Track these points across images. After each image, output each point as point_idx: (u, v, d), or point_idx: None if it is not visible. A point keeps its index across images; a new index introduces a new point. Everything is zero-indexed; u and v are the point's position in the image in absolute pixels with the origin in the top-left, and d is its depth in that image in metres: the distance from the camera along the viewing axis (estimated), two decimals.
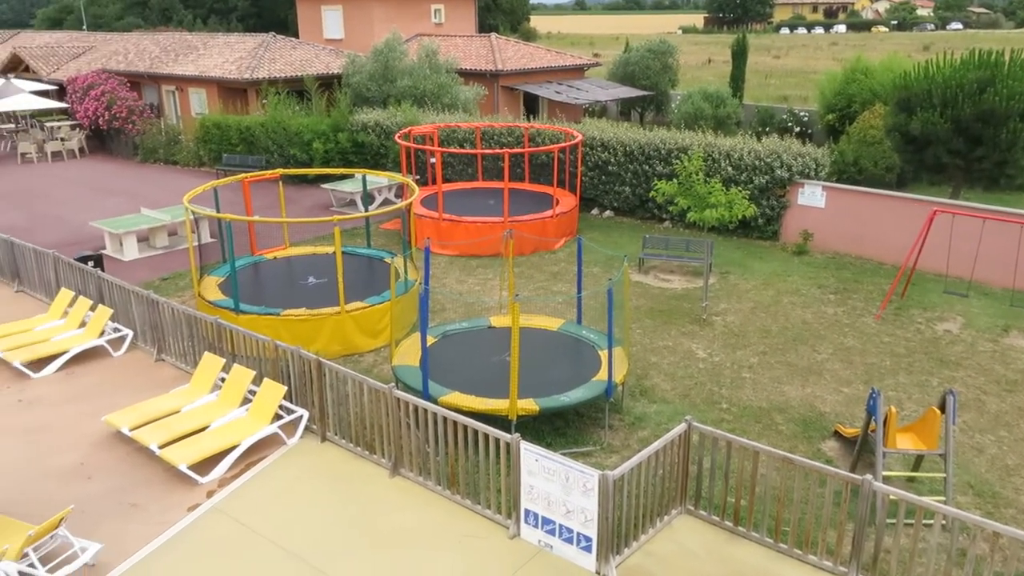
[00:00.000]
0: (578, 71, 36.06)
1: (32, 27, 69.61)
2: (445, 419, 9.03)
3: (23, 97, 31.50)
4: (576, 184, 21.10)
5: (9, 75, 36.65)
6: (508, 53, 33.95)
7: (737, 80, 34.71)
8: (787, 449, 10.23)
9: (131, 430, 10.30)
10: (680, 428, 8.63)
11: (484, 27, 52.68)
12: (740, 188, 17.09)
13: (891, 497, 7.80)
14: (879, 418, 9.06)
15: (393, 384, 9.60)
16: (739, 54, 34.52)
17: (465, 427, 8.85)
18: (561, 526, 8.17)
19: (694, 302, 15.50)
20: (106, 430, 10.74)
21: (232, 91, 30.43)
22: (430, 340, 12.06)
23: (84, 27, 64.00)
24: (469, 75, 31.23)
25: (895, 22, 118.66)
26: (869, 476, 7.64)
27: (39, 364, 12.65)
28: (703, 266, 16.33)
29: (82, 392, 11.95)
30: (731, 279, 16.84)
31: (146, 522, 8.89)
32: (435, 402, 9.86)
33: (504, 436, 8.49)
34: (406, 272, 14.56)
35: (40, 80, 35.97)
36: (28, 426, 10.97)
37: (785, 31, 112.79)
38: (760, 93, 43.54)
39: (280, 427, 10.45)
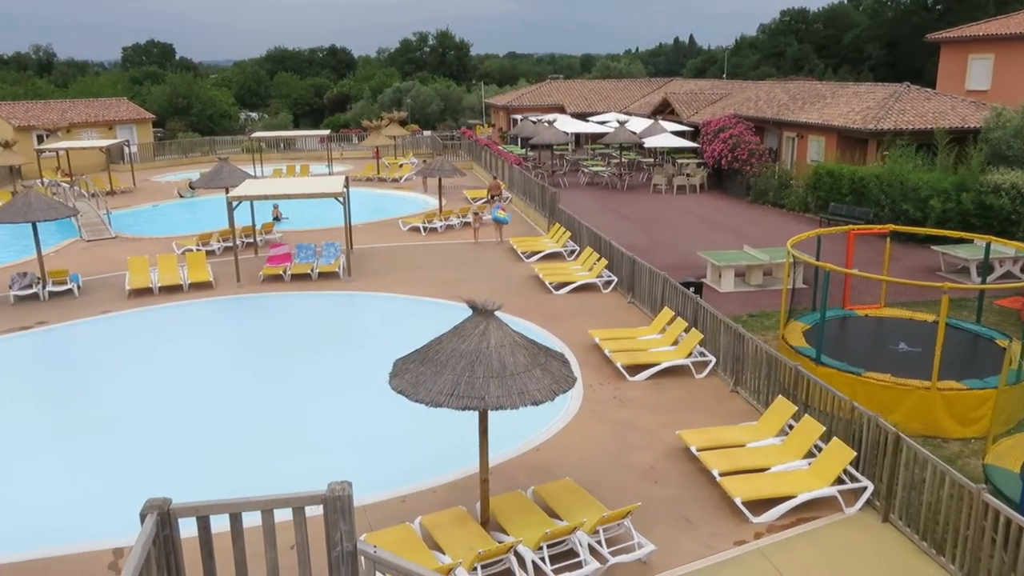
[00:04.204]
0: None
1: (681, 75, 79.25)
2: None
3: (665, 136, 36.19)
4: None
5: (657, 116, 42.43)
6: None
7: None
8: None
9: (698, 450, 10.99)
10: None
11: None
12: None
13: None
14: None
15: (983, 485, 8.33)
16: None
17: None
18: None
19: None
20: (677, 443, 11.65)
21: (852, 140, 30.04)
22: None
23: (724, 75, 70.42)
24: None
25: None
26: None
27: (635, 369, 14.35)
28: None
29: (664, 403, 13.19)
30: None
31: (695, 540, 9.38)
32: None
33: None
34: (1021, 360, 12.49)
35: (680, 122, 40.76)
36: (619, 421, 12.57)
37: None
38: None
39: (840, 492, 9.96)
